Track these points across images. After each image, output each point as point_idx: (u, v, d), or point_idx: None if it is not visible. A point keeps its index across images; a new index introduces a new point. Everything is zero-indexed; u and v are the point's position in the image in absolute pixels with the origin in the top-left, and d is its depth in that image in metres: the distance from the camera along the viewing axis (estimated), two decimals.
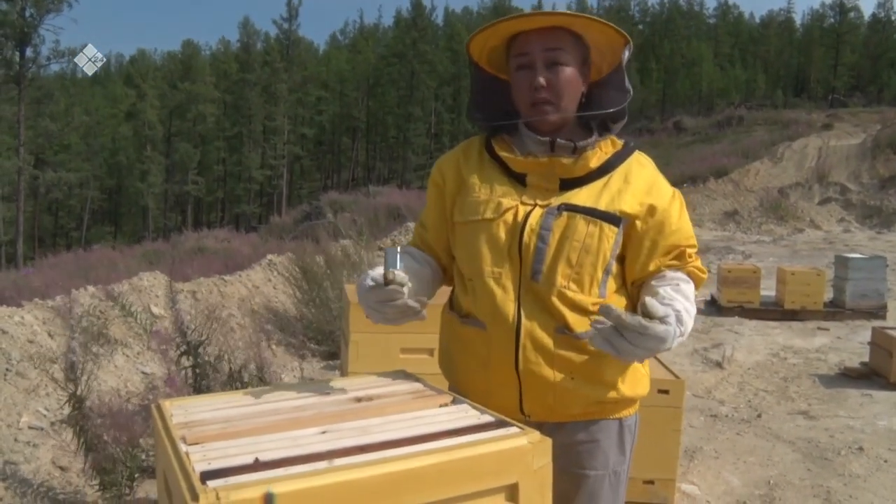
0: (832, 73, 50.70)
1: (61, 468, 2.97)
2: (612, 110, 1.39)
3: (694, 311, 1.33)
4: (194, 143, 47.30)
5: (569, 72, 1.36)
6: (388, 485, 0.91)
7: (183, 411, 1.19)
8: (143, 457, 2.76)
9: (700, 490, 3.23)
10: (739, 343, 6.10)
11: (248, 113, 48.33)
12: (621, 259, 1.39)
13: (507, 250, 1.35)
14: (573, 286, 1.32)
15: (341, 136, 56.73)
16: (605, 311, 1.16)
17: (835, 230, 16.88)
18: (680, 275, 1.37)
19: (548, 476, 1.05)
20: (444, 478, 0.95)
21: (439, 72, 51.92)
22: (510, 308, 1.33)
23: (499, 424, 1.11)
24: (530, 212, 1.35)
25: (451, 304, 1.49)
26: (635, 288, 1.41)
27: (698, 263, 1.41)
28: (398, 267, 1.28)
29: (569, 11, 1.36)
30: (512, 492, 1.01)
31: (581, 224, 1.32)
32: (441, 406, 1.23)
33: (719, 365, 5.38)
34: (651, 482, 2.92)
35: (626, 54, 1.38)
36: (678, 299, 1.29)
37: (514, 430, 1.08)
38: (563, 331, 1.32)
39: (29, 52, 30.83)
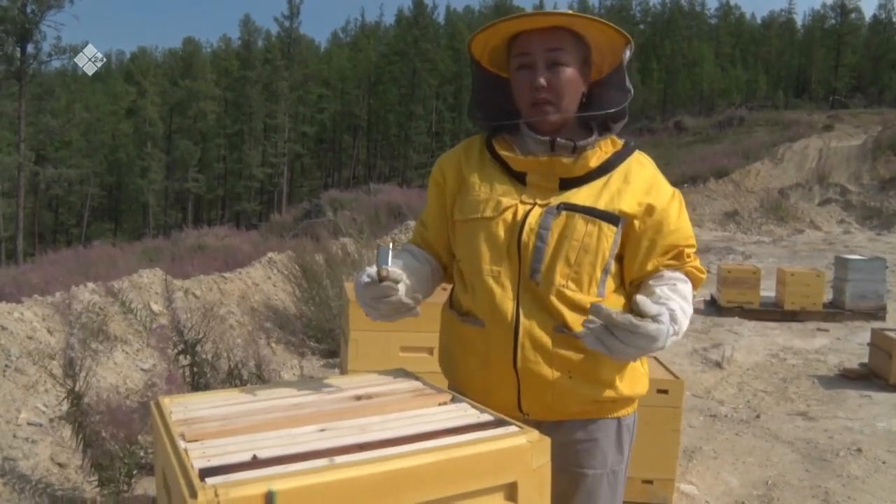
0: (833, 74, 50.67)
1: (60, 465, 2.97)
2: (612, 110, 1.39)
3: (690, 310, 1.33)
4: (195, 140, 47.30)
5: (569, 72, 1.36)
6: (387, 483, 0.91)
7: (182, 408, 1.19)
8: (142, 453, 2.76)
9: (699, 490, 3.23)
10: (739, 343, 6.10)
11: (249, 110, 48.32)
12: (620, 258, 1.39)
13: (506, 249, 1.35)
14: (572, 285, 1.33)
15: (342, 134, 56.71)
16: (595, 310, 1.16)
17: (835, 231, 16.89)
18: (678, 274, 1.37)
19: (547, 475, 1.05)
20: (443, 476, 0.95)
21: (441, 70, 51.91)
22: (509, 306, 1.33)
23: (498, 423, 1.11)
24: (529, 211, 1.35)
25: (451, 302, 1.50)
26: (634, 287, 1.40)
27: (697, 263, 1.41)
28: (389, 263, 1.29)
29: (570, 12, 1.36)
30: (511, 491, 1.01)
31: (580, 223, 1.32)
32: (440, 405, 1.23)
33: (719, 365, 5.38)
34: (650, 482, 2.92)
35: (627, 54, 1.38)
36: (674, 298, 1.29)
37: (513, 429, 1.08)
38: (561, 330, 1.32)
39: (30, 48, 30.86)
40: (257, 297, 6.30)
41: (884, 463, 3.57)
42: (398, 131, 53.32)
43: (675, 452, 2.96)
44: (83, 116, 39.46)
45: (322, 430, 1.08)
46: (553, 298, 1.32)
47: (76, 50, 29.17)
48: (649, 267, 1.37)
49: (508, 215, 1.36)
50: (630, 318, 1.14)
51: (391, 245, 1.33)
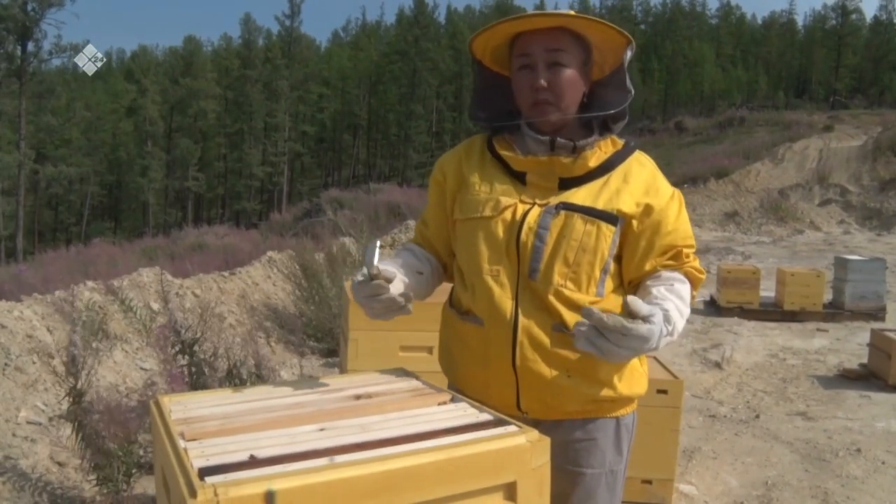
0: (833, 74, 50.67)
1: (59, 463, 2.97)
2: (612, 111, 1.40)
3: (687, 311, 1.33)
4: (195, 139, 47.31)
5: (570, 73, 1.36)
6: (387, 482, 0.91)
7: (182, 407, 1.19)
8: (141, 452, 2.76)
9: (698, 490, 3.24)
10: (738, 344, 6.10)
11: (250, 109, 48.32)
12: (619, 258, 1.39)
13: (504, 248, 1.35)
14: (570, 285, 1.33)
15: (342, 134, 56.72)
16: (586, 313, 1.15)
17: (835, 232, 16.90)
18: (676, 275, 1.37)
19: (546, 475, 1.05)
20: (442, 476, 0.95)
21: (441, 70, 51.92)
22: (507, 305, 1.34)
23: (497, 423, 1.11)
24: (529, 210, 1.35)
25: (451, 300, 1.50)
26: (632, 287, 1.41)
27: (696, 264, 1.41)
28: (375, 262, 1.30)
29: (570, 12, 1.36)
30: (510, 490, 1.01)
31: (578, 223, 1.33)
32: (440, 404, 1.23)
33: (718, 365, 5.38)
34: (649, 482, 2.92)
35: (628, 54, 1.38)
36: (670, 298, 1.29)
37: (512, 428, 1.08)
38: (559, 329, 1.32)
39: (31, 46, 30.86)
40: (257, 296, 6.30)
41: (883, 463, 3.57)
42: (398, 131, 53.31)
43: (674, 452, 2.96)
44: (83, 115, 39.50)
45: (322, 429, 1.08)
46: (551, 298, 1.32)
47: (77, 48, 29.19)
48: (647, 267, 1.37)
49: (508, 215, 1.36)
50: (621, 320, 1.14)
51: (378, 243, 1.33)
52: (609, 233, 1.33)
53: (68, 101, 39.32)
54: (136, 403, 2.96)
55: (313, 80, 52.77)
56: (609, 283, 1.37)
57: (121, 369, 4.12)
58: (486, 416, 1.15)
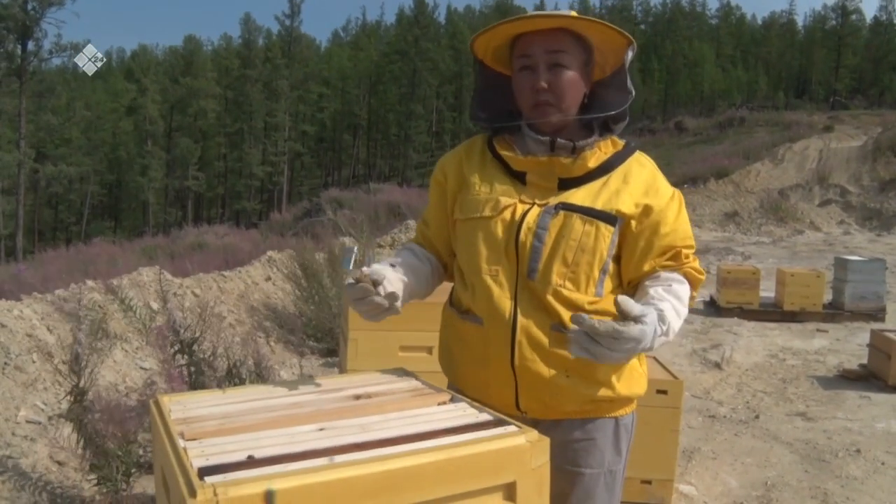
0: (833, 75, 50.68)
1: (59, 463, 2.97)
2: (613, 112, 1.40)
3: (685, 311, 1.33)
4: (195, 138, 47.31)
5: (570, 74, 1.36)
6: (386, 482, 0.91)
7: (181, 407, 1.19)
8: (141, 452, 2.76)
9: (697, 491, 3.24)
10: (738, 344, 6.10)
11: (250, 109, 48.32)
12: (618, 259, 1.39)
13: (503, 248, 1.36)
14: (569, 285, 1.33)
15: (342, 134, 56.73)
16: (577, 320, 1.15)
17: (835, 232, 16.90)
18: (674, 275, 1.37)
19: (546, 475, 1.06)
20: (442, 476, 0.95)
21: (441, 70, 51.92)
22: (506, 305, 1.34)
23: (497, 423, 1.11)
24: (528, 210, 1.35)
25: (451, 300, 1.50)
26: (631, 288, 1.41)
27: (695, 264, 1.40)
28: (349, 267, 1.30)
29: (571, 13, 1.36)
30: (510, 490, 1.01)
31: (577, 223, 1.33)
32: (439, 404, 1.23)
33: (718, 366, 5.38)
34: (649, 482, 2.92)
35: (629, 55, 1.38)
36: (667, 299, 1.29)
37: (512, 428, 1.08)
38: (558, 329, 1.32)
39: (31, 45, 30.84)
40: (257, 295, 6.30)
41: (883, 464, 3.57)
42: (398, 131, 53.32)
43: (673, 453, 2.96)
44: (83, 114, 39.49)
45: (321, 429, 1.08)
46: (550, 298, 1.32)
47: (77, 47, 29.19)
48: (646, 267, 1.37)
49: (507, 214, 1.36)
50: (613, 325, 1.14)
51: (355, 248, 1.34)
52: (608, 233, 1.33)
53: (68, 100, 39.29)
54: (135, 403, 2.96)
55: (313, 80, 52.78)
56: (608, 284, 1.37)
57: (120, 368, 4.12)
58: (485, 416, 1.15)
